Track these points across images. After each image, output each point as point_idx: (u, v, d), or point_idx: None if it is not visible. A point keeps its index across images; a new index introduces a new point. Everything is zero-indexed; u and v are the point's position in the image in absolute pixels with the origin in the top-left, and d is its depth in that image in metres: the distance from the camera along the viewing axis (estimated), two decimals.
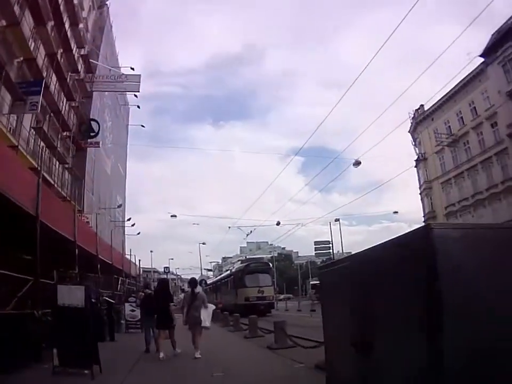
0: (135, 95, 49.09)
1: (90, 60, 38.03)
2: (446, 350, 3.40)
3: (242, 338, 18.78)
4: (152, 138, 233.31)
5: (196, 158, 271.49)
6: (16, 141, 23.67)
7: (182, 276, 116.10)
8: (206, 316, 13.49)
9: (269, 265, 48.64)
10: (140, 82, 39.09)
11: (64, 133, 34.36)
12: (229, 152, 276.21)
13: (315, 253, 60.66)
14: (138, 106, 55.03)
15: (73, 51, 34.10)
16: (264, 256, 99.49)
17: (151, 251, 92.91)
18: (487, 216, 52.00)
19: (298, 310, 47.79)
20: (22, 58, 25.20)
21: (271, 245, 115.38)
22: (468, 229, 3.97)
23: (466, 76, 53.42)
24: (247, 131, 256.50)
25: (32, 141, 28.37)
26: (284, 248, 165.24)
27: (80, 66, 36.65)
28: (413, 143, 70.17)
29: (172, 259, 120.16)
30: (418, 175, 69.38)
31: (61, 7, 29.31)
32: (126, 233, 59.39)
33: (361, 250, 5.30)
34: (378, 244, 4.64)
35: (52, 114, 30.38)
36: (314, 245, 59.62)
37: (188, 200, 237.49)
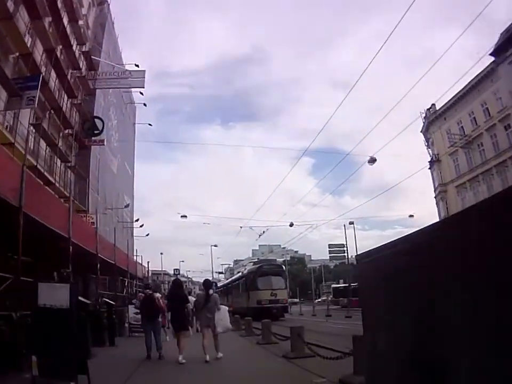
0: (141, 93, 49.38)
1: (92, 57, 37.11)
2: None
3: (254, 345, 17.48)
4: (160, 140, 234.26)
5: (205, 159, 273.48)
6: (13, 137, 22.66)
7: (193, 279, 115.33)
8: (221, 317, 13.40)
9: (282, 267, 47.36)
10: (144, 78, 38.18)
11: (66, 131, 33.43)
12: (239, 153, 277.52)
13: (329, 256, 59.09)
14: (145, 104, 55.66)
15: (74, 48, 33.22)
16: (276, 258, 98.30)
17: (161, 253, 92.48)
18: None
19: (313, 315, 46.74)
20: (17, 54, 24.26)
21: (283, 248, 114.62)
22: None
23: (477, 75, 52.06)
24: (256, 132, 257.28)
25: (32, 138, 27.07)
26: (296, 251, 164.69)
27: (82, 63, 35.80)
28: (426, 144, 68.99)
29: (183, 261, 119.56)
30: (433, 177, 68.05)
31: (58, 3, 28.43)
32: (134, 234, 58.82)
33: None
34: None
35: (52, 111, 29.41)
36: (329, 248, 57.95)
37: (198, 202, 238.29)
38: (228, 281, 67.28)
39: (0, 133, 21.78)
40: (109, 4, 44.35)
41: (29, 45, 24.56)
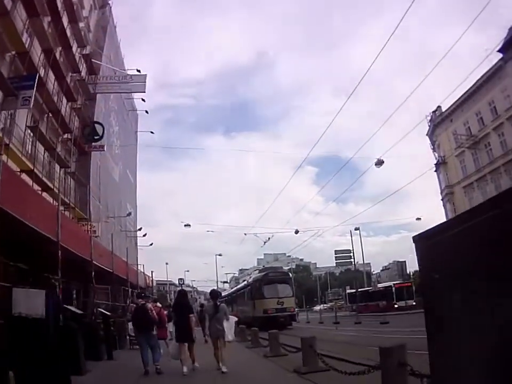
0: (143, 99, 48.84)
1: (93, 60, 36.52)
2: None
3: (262, 358, 16.21)
4: (164, 149, 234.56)
5: (209, 169, 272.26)
6: (8, 139, 21.68)
7: (199, 288, 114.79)
8: (228, 328, 13.16)
9: (288, 274, 46.24)
10: (145, 82, 37.70)
11: (65, 135, 32.66)
12: (243, 162, 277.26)
13: (336, 262, 58.00)
14: (147, 112, 55.34)
15: (74, 50, 32.61)
16: (282, 266, 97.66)
17: (166, 263, 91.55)
18: None
19: (320, 322, 45.75)
20: (14, 52, 23.41)
21: (288, 256, 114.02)
22: None
23: (485, 74, 51.27)
24: (260, 141, 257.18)
25: (30, 142, 26.43)
26: (302, 259, 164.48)
27: (82, 66, 35.14)
28: (432, 147, 68.39)
29: (188, 271, 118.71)
30: (439, 180, 67.51)
31: (58, 2, 27.79)
32: (139, 244, 57.97)
33: None
34: None
35: (50, 114, 28.54)
36: (335, 254, 56.83)
37: (203, 211, 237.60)
38: (232, 290, 66.02)
39: None
40: (111, 7, 43.96)
41: (26, 44, 23.80)
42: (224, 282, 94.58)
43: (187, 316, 13.25)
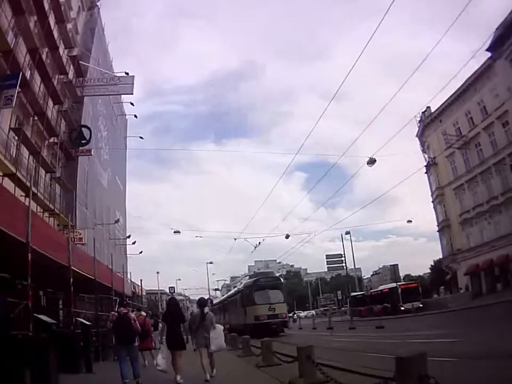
0: (131, 103, 49.35)
1: (81, 62, 35.86)
2: None
3: (254, 367, 15.04)
4: (155, 158, 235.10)
5: (199, 177, 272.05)
6: None
7: (191, 297, 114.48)
8: (214, 338, 13.02)
9: (280, 279, 44.91)
10: (133, 84, 37.17)
11: (51, 139, 31.81)
12: (233, 169, 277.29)
13: (327, 267, 57.86)
14: (136, 116, 54.58)
15: (61, 52, 31.85)
16: (273, 271, 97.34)
17: (157, 272, 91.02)
18: (505, 222, 49.58)
19: (313, 328, 44.95)
20: None
21: (279, 263, 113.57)
22: None
23: (474, 73, 51.94)
24: (250, 148, 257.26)
25: (14, 145, 25.57)
26: (292, 265, 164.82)
27: (69, 68, 34.35)
28: (421, 148, 68.31)
29: (179, 280, 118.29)
30: (430, 182, 67.45)
31: (45, 2, 27.15)
32: (129, 253, 56.82)
33: None
34: None
35: (35, 116, 27.78)
36: (326, 258, 56.82)
37: (194, 220, 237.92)
38: (223, 297, 64.74)
39: None
40: (99, 9, 43.47)
41: (11, 43, 23.01)
42: (216, 289, 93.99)
43: (178, 325, 13.07)
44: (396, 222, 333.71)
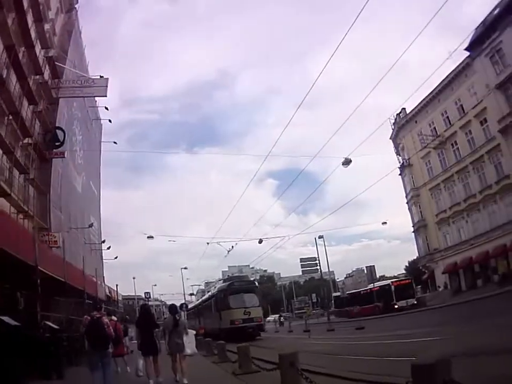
0: (106, 108, 48.69)
1: (57, 63, 35.26)
2: None
3: (230, 375, 14.10)
4: (129, 166, 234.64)
5: (173, 185, 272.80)
6: None
7: (167, 302, 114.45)
8: (187, 342, 13.28)
9: (255, 283, 44.99)
10: (107, 86, 36.63)
11: (26, 140, 31.26)
12: (206, 177, 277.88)
13: (302, 270, 57.18)
14: (110, 121, 53.71)
15: (37, 52, 31.27)
16: (248, 275, 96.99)
17: (133, 278, 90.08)
18: (483, 220, 50.19)
19: (289, 331, 45.01)
20: None
21: (252, 268, 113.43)
22: None
23: (451, 72, 52.70)
24: (222, 156, 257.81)
25: None
26: (265, 270, 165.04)
27: (45, 68, 33.76)
28: (396, 150, 68.55)
29: (155, 285, 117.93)
30: (404, 183, 67.76)
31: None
32: (104, 258, 56.55)
33: None
34: None
35: (9, 115, 27.27)
36: (300, 262, 56.11)
37: (168, 226, 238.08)
38: (198, 302, 64.08)
39: None
40: (77, 11, 43.08)
41: None
42: (191, 294, 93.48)
43: (151, 330, 13.19)
44: (369, 226, 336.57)
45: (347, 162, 30.62)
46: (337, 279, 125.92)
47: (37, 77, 32.55)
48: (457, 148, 54.16)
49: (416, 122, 61.72)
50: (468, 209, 53.19)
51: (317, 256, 54.86)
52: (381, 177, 69.67)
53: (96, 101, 52.12)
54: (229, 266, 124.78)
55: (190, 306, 65.66)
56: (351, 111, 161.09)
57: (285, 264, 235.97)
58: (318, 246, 55.86)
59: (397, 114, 64.17)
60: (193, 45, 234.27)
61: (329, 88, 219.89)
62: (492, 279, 47.10)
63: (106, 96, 38.79)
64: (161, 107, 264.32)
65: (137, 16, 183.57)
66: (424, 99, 57.87)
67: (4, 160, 27.08)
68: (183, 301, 67.33)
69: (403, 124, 64.37)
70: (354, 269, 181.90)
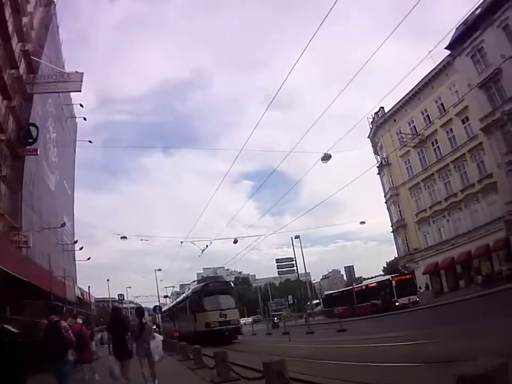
0: (81, 105, 49.21)
1: (32, 57, 34.43)
2: None
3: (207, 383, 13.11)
4: (104, 169, 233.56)
5: (148, 187, 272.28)
6: None
7: (142, 305, 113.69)
8: (155, 347, 12.98)
9: (230, 284, 43.43)
10: (82, 81, 35.67)
11: None
12: (181, 179, 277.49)
13: (277, 271, 56.21)
14: (85, 119, 54.40)
15: (14, 45, 30.68)
16: (223, 275, 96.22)
17: (107, 280, 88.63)
18: (465, 219, 50.13)
19: (268, 334, 44.38)
20: None
21: (227, 269, 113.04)
22: None
23: (431, 71, 53.25)
24: (197, 157, 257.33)
25: None
26: (240, 272, 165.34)
27: (21, 63, 33.19)
28: (373, 149, 68.35)
29: (130, 287, 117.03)
30: (382, 182, 67.50)
31: None
32: (77, 260, 56.14)
33: None
34: None
35: None
36: (276, 262, 55.25)
37: (143, 228, 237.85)
38: (172, 304, 62.43)
39: None
40: (55, 5, 42.45)
41: None
42: (165, 296, 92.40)
43: (123, 333, 12.82)
44: (345, 228, 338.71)
45: (326, 157, 29.88)
46: (314, 280, 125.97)
47: (12, 71, 31.82)
48: (438, 147, 54.22)
49: (395, 121, 61.47)
50: (449, 208, 53.08)
51: (293, 256, 54.29)
52: (357, 176, 68.76)
53: (71, 99, 51.79)
54: (203, 268, 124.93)
55: (164, 308, 64.42)
56: (329, 112, 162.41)
57: (260, 266, 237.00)
58: (294, 246, 54.59)
59: (375, 113, 63.91)
60: (168, 45, 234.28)
61: (306, 89, 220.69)
62: (475, 280, 46.90)
63: (80, 91, 37.87)
64: (136, 108, 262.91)
65: (113, 15, 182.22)
66: (403, 97, 57.73)
67: None
68: (158, 303, 66.41)
69: (381, 122, 63.97)
70: (330, 270, 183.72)
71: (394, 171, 63.46)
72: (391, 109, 61.48)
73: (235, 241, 51.14)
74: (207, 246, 51.88)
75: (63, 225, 49.81)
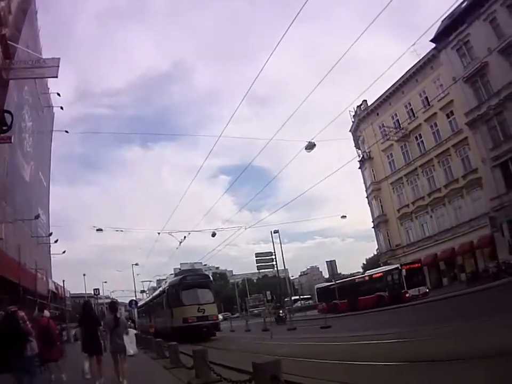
0: (58, 94, 47.62)
1: (9, 42, 32.87)
2: None
3: None
4: (83, 162, 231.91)
5: (127, 181, 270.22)
6: None
7: (119, 300, 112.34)
8: (129, 342, 13.03)
9: (209, 277, 42.34)
10: (58, 66, 34.04)
11: None
12: (159, 172, 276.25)
13: (256, 266, 54.97)
14: (62, 108, 51.82)
15: None
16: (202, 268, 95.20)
17: (84, 274, 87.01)
18: (449, 214, 49.72)
19: (247, 331, 43.37)
20: None
21: (204, 265, 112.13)
22: None
23: (415, 64, 52.83)
24: (176, 151, 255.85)
25: None
26: (218, 267, 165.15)
27: None
28: (355, 143, 67.84)
29: (106, 282, 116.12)
30: (364, 177, 66.95)
31: None
32: (53, 253, 54.46)
33: None
34: None
35: None
36: (256, 257, 53.89)
37: (121, 222, 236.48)
38: (148, 298, 60.97)
39: None
40: None
41: None
42: (142, 291, 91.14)
43: (95, 328, 12.69)
44: (323, 224, 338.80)
45: (310, 146, 28.92)
46: (292, 276, 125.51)
47: None
48: (422, 141, 54.06)
49: (377, 114, 61.14)
50: (432, 203, 53.06)
51: (273, 250, 53.23)
52: (336, 169, 68.26)
53: (48, 88, 50.44)
54: (181, 263, 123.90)
55: (140, 303, 63.08)
56: (309, 107, 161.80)
57: (238, 262, 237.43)
58: (274, 241, 53.27)
59: (358, 106, 63.29)
60: (147, 38, 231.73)
61: (291, 85, 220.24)
62: (459, 278, 46.27)
63: (57, 77, 36.50)
64: (115, 101, 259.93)
65: (92, 6, 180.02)
66: (387, 91, 57.25)
67: None
68: (135, 298, 65.31)
69: (364, 116, 63.56)
70: (309, 267, 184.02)
71: (377, 165, 63.02)
72: (374, 102, 60.96)
73: (213, 235, 50.27)
74: (184, 237, 50.56)
75: (37, 217, 48.41)
